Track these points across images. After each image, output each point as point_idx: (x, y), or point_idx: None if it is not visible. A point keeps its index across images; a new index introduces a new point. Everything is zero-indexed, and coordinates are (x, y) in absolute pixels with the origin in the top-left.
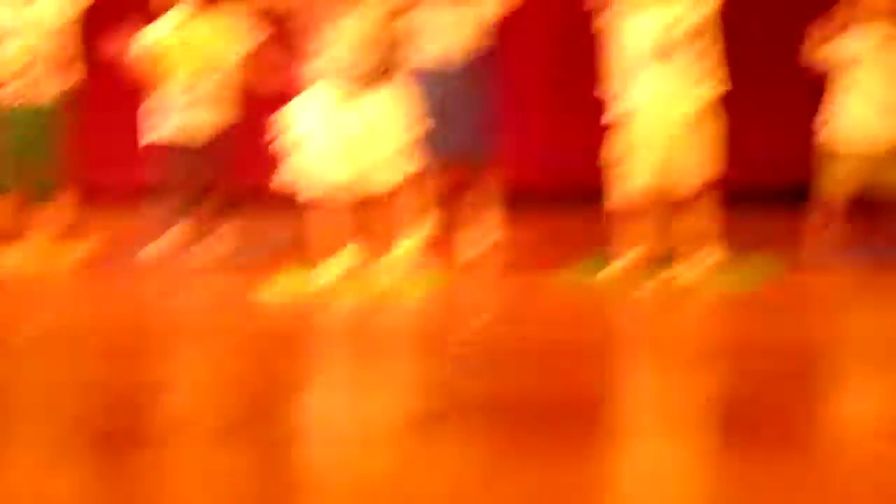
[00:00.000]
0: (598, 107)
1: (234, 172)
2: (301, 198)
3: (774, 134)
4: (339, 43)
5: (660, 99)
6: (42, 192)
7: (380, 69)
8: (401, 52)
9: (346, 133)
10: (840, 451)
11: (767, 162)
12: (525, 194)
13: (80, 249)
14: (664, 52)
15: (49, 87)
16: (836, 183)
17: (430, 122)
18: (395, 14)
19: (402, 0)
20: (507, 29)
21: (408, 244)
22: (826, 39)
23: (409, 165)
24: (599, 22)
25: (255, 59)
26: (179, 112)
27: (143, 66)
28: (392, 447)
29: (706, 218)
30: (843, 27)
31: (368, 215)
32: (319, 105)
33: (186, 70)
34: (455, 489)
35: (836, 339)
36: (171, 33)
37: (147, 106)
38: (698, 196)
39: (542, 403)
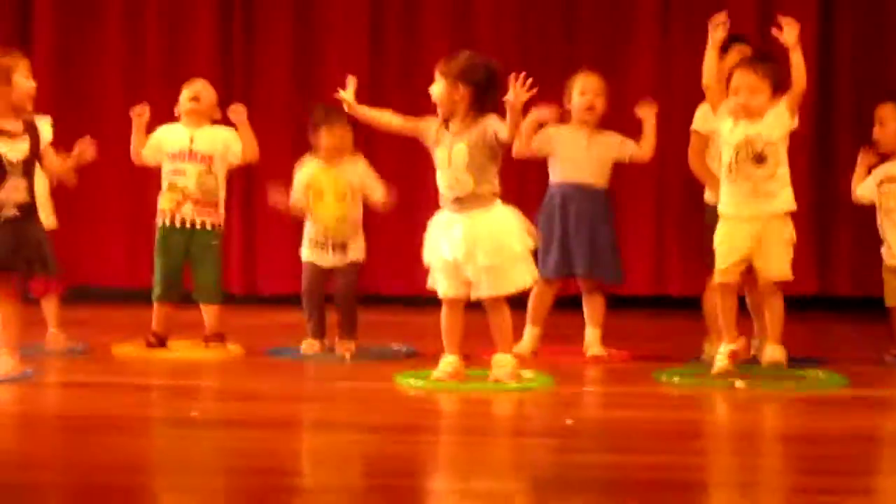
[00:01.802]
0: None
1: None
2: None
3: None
4: (442, 168)
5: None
6: (204, 299)
7: (476, 194)
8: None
9: (454, 246)
10: None
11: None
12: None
13: (230, 349)
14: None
15: (216, 210)
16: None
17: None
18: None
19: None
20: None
21: (519, 347)
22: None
23: (525, 275)
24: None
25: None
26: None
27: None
28: None
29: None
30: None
31: (489, 318)
32: (441, 219)
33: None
34: None
35: None
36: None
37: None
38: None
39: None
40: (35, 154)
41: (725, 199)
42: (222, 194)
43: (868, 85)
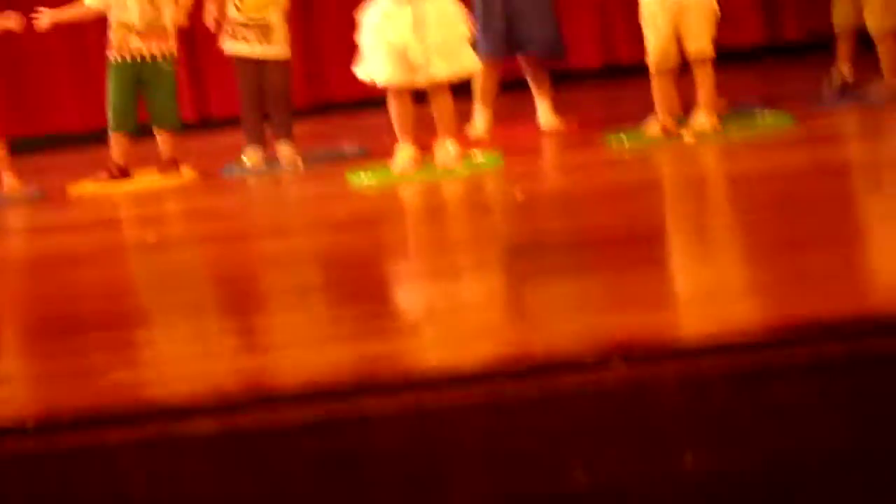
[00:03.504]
0: None
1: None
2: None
3: None
4: None
5: None
6: (160, 127)
7: None
8: None
9: (404, 30)
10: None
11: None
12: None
13: (185, 174)
14: None
15: (166, 40)
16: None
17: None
18: None
19: None
20: None
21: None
22: None
23: (472, 58)
24: None
25: None
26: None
27: None
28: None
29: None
30: None
31: (432, 105)
32: (383, 7)
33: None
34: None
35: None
36: None
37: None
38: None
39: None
40: None
41: None
42: (169, 23)
43: None
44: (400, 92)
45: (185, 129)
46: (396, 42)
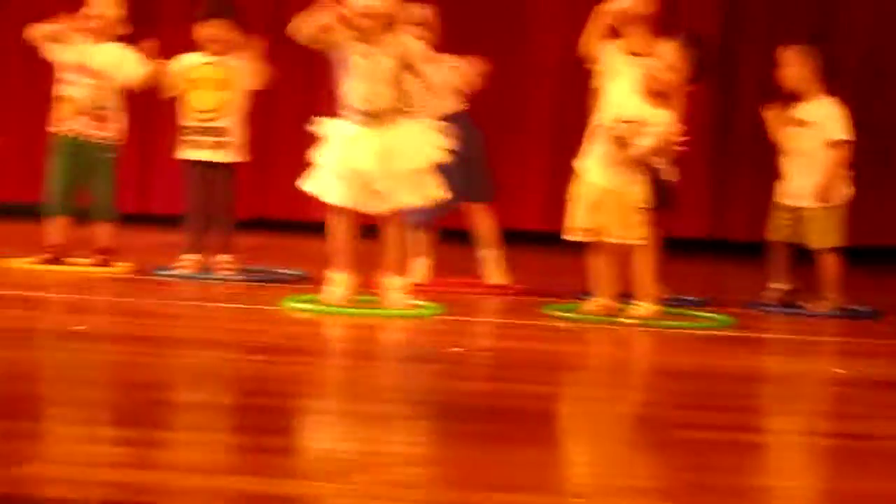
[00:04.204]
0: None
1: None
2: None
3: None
4: (360, 79)
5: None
6: (96, 216)
7: (397, 108)
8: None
9: (369, 157)
10: None
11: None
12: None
13: (117, 268)
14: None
15: (110, 125)
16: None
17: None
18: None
19: (414, 52)
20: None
21: (411, 279)
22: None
23: (431, 188)
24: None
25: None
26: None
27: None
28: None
29: (645, 266)
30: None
31: (384, 234)
32: (344, 128)
33: (208, 102)
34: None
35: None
36: (198, 65)
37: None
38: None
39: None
40: None
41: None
42: (115, 110)
43: (771, 28)
44: (348, 214)
45: (124, 220)
46: (359, 168)
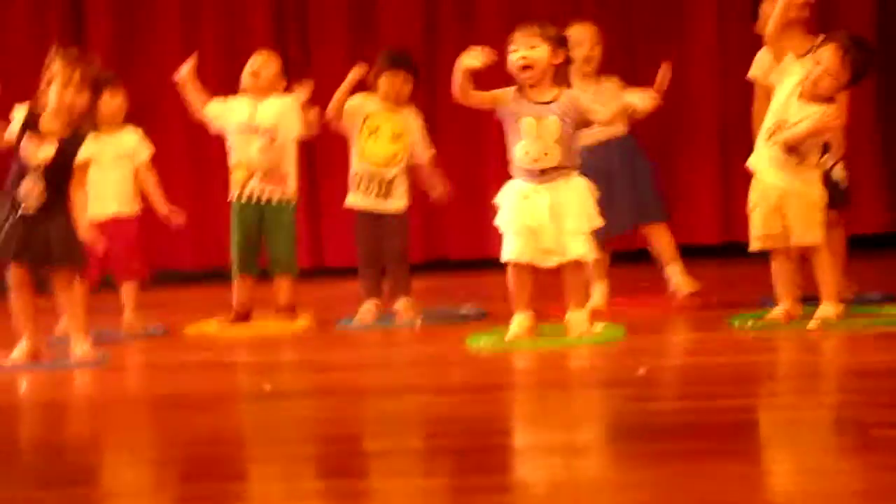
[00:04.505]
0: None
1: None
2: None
3: None
4: (530, 139)
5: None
6: (278, 271)
7: (562, 166)
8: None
9: (540, 213)
10: None
11: None
12: (695, 249)
13: (300, 322)
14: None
15: (287, 184)
16: None
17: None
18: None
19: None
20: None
21: (589, 304)
22: None
23: (588, 247)
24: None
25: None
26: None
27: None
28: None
29: (827, 268)
30: None
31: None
32: (515, 190)
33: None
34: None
35: None
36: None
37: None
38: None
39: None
40: (62, 164)
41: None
42: (290, 166)
43: None
44: (523, 266)
45: (302, 275)
46: (532, 224)
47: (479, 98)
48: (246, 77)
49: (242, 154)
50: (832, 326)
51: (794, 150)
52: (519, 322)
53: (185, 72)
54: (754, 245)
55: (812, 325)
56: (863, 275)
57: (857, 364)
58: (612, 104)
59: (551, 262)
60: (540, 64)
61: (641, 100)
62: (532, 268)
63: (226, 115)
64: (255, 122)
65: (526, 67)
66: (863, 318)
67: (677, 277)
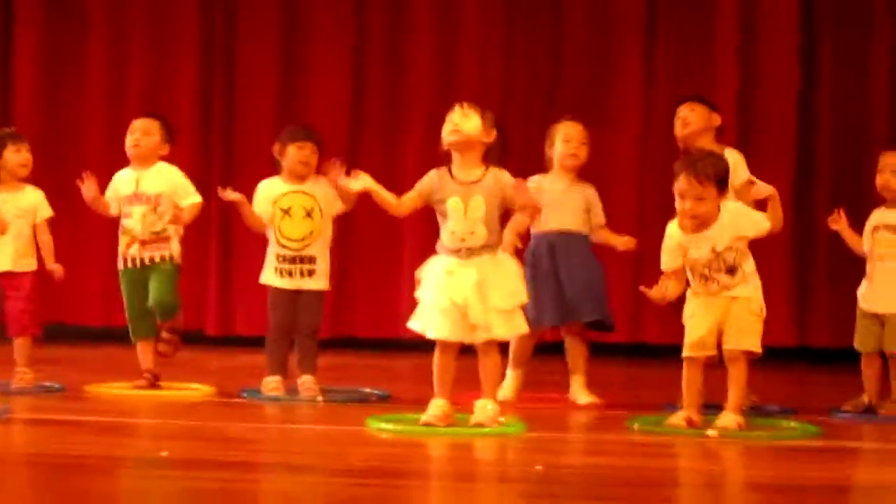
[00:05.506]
0: None
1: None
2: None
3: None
4: (456, 219)
5: None
6: (162, 313)
7: (488, 245)
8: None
9: (466, 289)
10: None
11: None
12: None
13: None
14: None
15: (170, 246)
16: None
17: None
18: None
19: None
20: None
21: (503, 391)
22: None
23: (512, 325)
24: None
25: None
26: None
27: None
28: None
29: (742, 379)
30: None
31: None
32: (440, 265)
33: (296, 231)
34: None
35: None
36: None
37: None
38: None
39: None
40: None
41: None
42: (173, 230)
43: (848, 136)
44: (449, 347)
45: (210, 343)
46: (458, 300)
47: (411, 203)
48: (129, 149)
49: (127, 221)
50: (731, 436)
51: (732, 270)
52: (437, 406)
53: (89, 195)
54: (688, 352)
55: (711, 432)
56: (764, 387)
57: (751, 477)
58: (570, 208)
59: (478, 338)
60: (472, 134)
61: (618, 240)
62: (457, 349)
63: (119, 191)
64: (140, 191)
65: (455, 131)
66: (761, 431)
67: (577, 389)
